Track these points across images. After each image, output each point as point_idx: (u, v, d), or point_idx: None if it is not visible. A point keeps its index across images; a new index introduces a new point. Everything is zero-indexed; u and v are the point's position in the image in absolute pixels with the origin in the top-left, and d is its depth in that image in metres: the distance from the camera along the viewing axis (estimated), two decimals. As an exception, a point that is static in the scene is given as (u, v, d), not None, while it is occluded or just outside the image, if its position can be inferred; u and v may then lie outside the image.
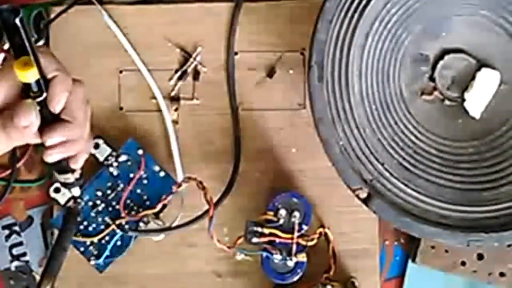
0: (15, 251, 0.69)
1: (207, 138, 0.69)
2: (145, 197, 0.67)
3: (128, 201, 0.67)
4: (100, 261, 0.66)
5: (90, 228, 0.66)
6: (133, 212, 0.66)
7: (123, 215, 0.65)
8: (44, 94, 0.49)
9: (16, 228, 0.69)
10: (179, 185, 0.64)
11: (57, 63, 0.50)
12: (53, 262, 0.61)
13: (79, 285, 0.67)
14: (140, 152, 0.67)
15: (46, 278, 0.60)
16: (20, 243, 0.69)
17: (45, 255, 0.69)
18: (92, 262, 0.67)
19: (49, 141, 0.50)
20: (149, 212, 0.65)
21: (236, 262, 0.68)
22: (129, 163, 0.67)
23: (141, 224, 0.66)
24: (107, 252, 0.66)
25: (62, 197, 0.66)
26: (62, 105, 0.50)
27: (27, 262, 0.69)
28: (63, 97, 0.50)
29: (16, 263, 0.69)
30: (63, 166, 0.55)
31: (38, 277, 0.63)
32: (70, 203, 0.65)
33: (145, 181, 0.67)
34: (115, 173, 0.67)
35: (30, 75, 0.46)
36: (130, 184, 0.66)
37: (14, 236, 0.69)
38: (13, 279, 0.69)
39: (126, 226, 0.65)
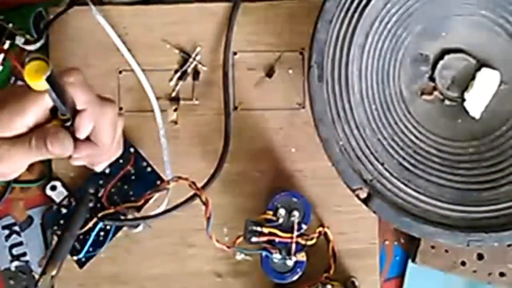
0: (15, 251, 0.69)
1: (206, 138, 0.69)
2: (131, 193, 0.67)
3: (115, 197, 0.67)
4: (81, 255, 0.66)
5: None
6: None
7: (106, 206, 0.65)
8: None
9: (16, 228, 0.69)
10: (167, 183, 0.63)
11: (88, 94, 0.52)
12: (60, 247, 0.60)
13: (79, 285, 0.67)
14: (131, 150, 0.67)
15: (52, 263, 0.60)
16: (20, 243, 0.69)
17: (45, 255, 0.69)
18: (75, 258, 0.66)
19: (75, 156, 0.54)
20: (131, 205, 0.65)
21: (235, 262, 0.68)
22: (120, 161, 0.67)
23: (121, 217, 0.65)
24: (87, 247, 0.65)
25: (58, 195, 0.66)
26: (87, 134, 0.53)
27: (27, 262, 0.69)
28: (88, 128, 0.53)
29: (16, 263, 0.69)
30: None
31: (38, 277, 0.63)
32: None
33: (132, 177, 0.67)
34: (107, 171, 0.67)
35: (41, 84, 0.45)
36: (115, 177, 0.66)
37: (14, 236, 0.69)
38: (13, 279, 0.69)
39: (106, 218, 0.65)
